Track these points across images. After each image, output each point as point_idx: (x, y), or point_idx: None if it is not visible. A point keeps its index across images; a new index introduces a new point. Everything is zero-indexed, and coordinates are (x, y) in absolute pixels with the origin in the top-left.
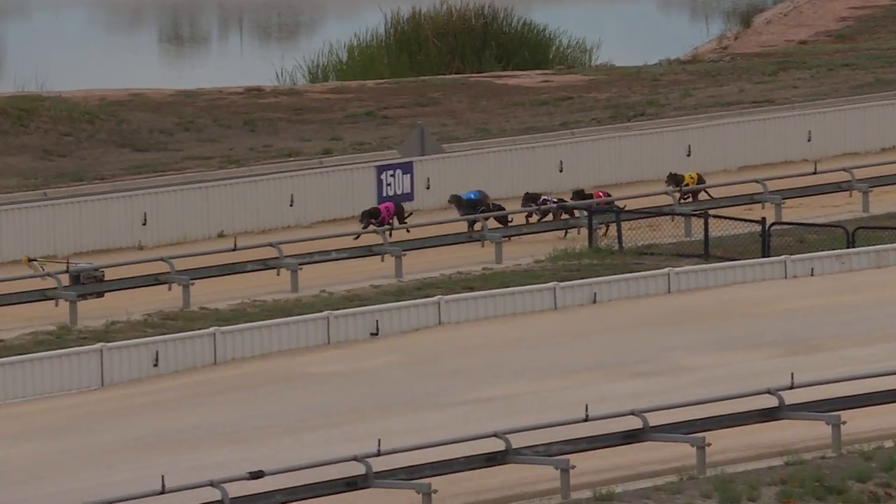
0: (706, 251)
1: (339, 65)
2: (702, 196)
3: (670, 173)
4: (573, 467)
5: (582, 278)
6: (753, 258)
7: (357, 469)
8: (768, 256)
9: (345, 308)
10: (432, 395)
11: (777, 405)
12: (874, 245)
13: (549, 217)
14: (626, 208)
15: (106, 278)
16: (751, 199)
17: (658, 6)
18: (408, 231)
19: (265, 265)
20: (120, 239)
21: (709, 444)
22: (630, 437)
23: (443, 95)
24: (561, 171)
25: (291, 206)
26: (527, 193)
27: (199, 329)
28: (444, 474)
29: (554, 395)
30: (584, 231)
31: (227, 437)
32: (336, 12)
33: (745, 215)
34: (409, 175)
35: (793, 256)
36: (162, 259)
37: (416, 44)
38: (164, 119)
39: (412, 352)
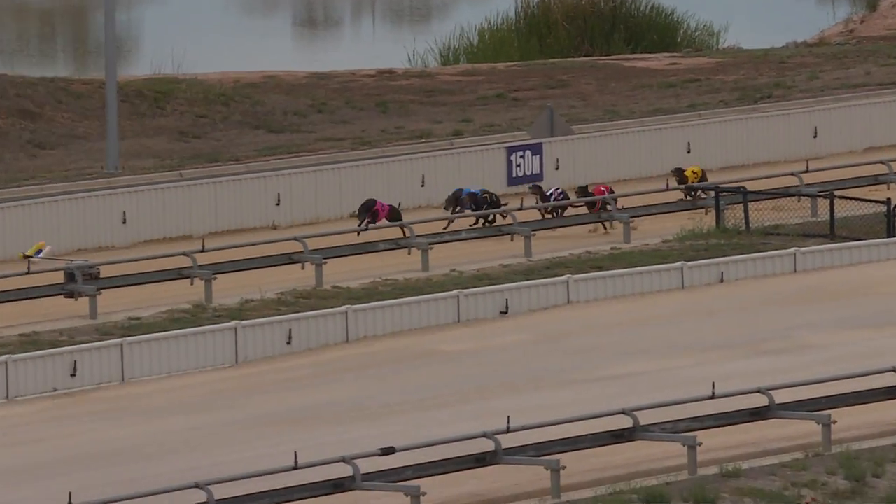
0: (832, 231)
1: (470, 48)
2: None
3: (675, 168)
4: (700, 444)
5: (709, 258)
6: (879, 238)
7: (486, 445)
8: (894, 236)
9: (475, 287)
10: (560, 372)
11: None
12: None
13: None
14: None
15: (241, 258)
16: (875, 181)
17: None
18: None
19: (396, 244)
20: (254, 219)
21: (834, 422)
22: (756, 414)
23: (572, 78)
24: (689, 151)
25: (422, 186)
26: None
27: (332, 307)
28: (572, 451)
29: (680, 373)
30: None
31: (358, 413)
32: None
33: (870, 196)
34: (538, 156)
35: None
36: (295, 238)
37: (546, 27)
38: (297, 101)
39: (540, 330)
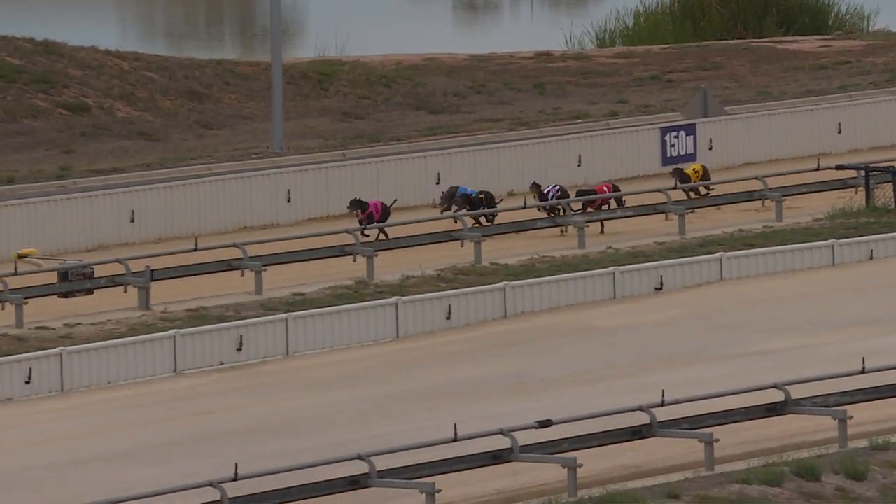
0: None
1: (626, 30)
2: (702, 191)
3: (675, 167)
4: (850, 417)
5: (859, 236)
6: None
7: (641, 419)
8: None
9: (630, 264)
10: (713, 347)
11: None
12: None
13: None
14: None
15: (402, 235)
16: None
17: None
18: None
19: (553, 223)
20: (414, 197)
21: None
22: None
23: (725, 60)
24: (839, 132)
25: (579, 166)
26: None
27: (490, 284)
28: (725, 424)
29: (831, 349)
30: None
31: (516, 387)
32: None
33: None
34: (691, 136)
35: None
36: (454, 217)
37: (700, 10)
38: (457, 83)
39: (694, 306)
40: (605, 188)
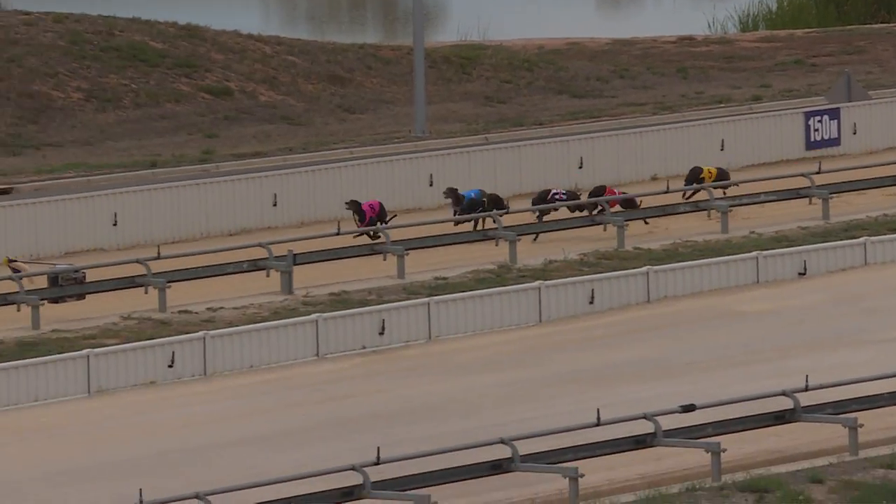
0: None
1: (769, 14)
2: (730, 191)
3: (693, 167)
4: None
5: None
6: None
7: (785, 403)
8: None
9: (773, 248)
10: (857, 332)
11: None
12: None
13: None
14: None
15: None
16: None
17: None
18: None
19: (696, 207)
20: (557, 181)
21: None
22: None
23: (869, 44)
24: None
25: (722, 150)
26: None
27: (633, 268)
28: (870, 409)
29: None
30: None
31: (659, 371)
32: None
33: None
34: (835, 121)
35: None
36: (596, 202)
37: None
38: (599, 67)
39: (838, 291)
40: (614, 192)
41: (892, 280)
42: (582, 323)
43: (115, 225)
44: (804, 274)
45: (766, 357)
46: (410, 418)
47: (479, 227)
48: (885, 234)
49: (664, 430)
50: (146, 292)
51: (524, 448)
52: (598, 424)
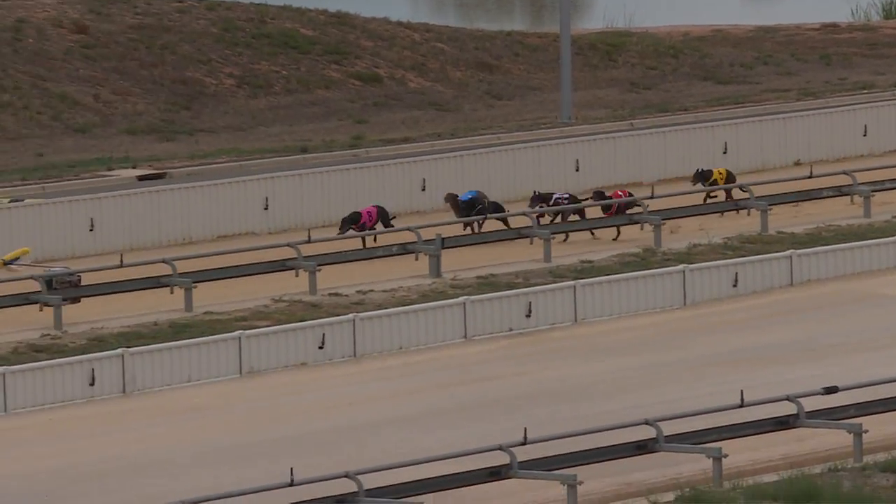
0: None
1: None
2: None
3: (698, 169)
4: None
5: None
6: None
7: None
8: None
9: None
10: None
11: None
12: None
13: (558, 218)
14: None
15: (686, 204)
16: None
17: None
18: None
19: (839, 192)
20: (702, 164)
21: None
22: None
23: None
24: None
25: (864, 136)
26: (537, 193)
27: (777, 252)
28: None
29: None
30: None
31: (802, 354)
32: None
33: None
34: None
35: None
36: (740, 187)
37: None
38: (743, 53)
39: None
40: (620, 194)
41: None
42: (726, 306)
43: (265, 209)
44: None
45: None
46: (556, 399)
47: (476, 229)
48: None
49: (807, 412)
50: (297, 275)
51: (668, 429)
52: (741, 406)
